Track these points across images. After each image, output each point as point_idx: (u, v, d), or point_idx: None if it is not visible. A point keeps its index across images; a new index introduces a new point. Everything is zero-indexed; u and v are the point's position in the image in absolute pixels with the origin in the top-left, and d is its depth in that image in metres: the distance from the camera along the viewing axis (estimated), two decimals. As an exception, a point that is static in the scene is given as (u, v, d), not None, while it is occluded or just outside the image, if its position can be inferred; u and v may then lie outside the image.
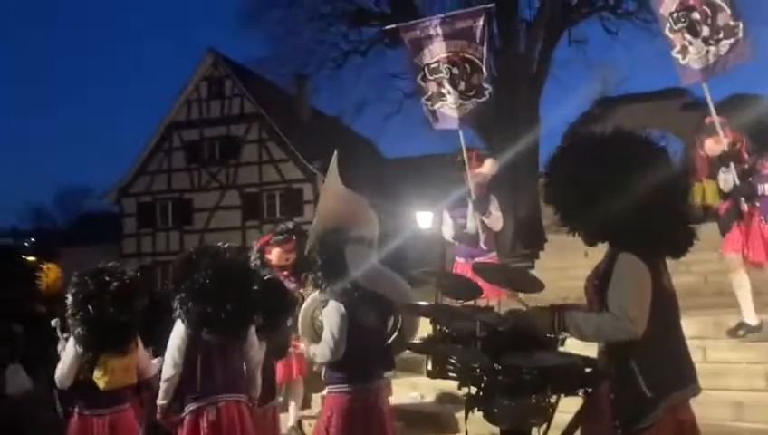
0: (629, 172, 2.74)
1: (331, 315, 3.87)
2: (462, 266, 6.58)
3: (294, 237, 5.89)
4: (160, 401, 4.26)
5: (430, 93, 7.32)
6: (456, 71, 7.12)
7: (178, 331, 4.16)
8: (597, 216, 2.79)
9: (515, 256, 14.15)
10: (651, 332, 2.72)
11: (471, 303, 3.75)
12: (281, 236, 5.87)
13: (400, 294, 3.97)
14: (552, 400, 2.96)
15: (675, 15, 6.38)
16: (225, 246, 4.38)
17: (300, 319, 4.24)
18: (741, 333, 5.79)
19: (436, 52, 7.24)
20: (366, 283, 3.87)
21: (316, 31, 20.16)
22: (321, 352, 3.92)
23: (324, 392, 4.28)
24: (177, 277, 4.31)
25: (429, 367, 3.45)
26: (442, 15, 7.82)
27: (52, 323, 5.06)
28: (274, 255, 5.84)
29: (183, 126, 27.98)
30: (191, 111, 28.02)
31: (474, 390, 3.08)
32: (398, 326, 4.09)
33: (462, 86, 7.11)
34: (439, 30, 7.45)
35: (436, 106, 7.31)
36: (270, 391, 4.76)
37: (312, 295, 4.22)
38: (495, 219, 6.65)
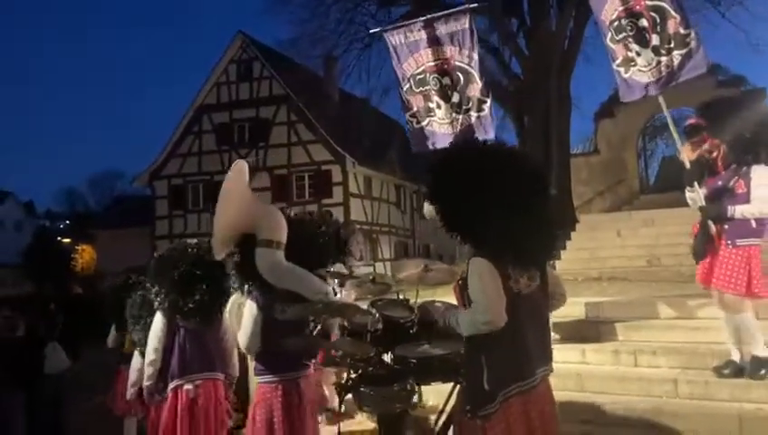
0: (497, 188, 3.07)
1: (245, 313, 4.20)
2: None
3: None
4: (146, 383, 4.97)
5: (415, 109, 6.61)
6: (446, 81, 6.40)
7: (157, 319, 4.90)
8: (464, 223, 3.16)
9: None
10: (500, 331, 3.02)
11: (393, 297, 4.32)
12: None
13: (312, 291, 4.17)
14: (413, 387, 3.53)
15: (617, 24, 5.73)
16: (195, 242, 5.07)
17: (227, 314, 4.72)
18: (726, 372, 5.11)
19: (423, 60, 6.53)
20: (277, 282, 4.11)
21: (344, 11, 20.01)
22: (240, 343, 4.28)
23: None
24: (154, 273, 4.95)
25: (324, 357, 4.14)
26: (425, 18, 6.94)
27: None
28: None
29: (213, 109, 28.15)
30: (221, 94, 28.17)
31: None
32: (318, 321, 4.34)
33: (456, 98, 6.38)
34: (424, 34, 6.70)
35: (423, 123, 6.59)
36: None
37: (235, 295, 4.62)
38: None
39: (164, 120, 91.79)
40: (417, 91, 6.53)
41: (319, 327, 4.32)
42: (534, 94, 15.72)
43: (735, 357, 5.14)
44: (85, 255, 45.34)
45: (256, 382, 4.27)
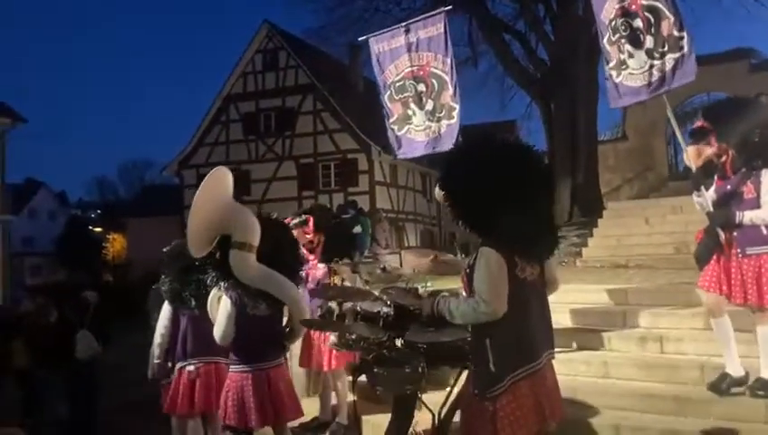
0: (508, 182, 3.20)
1: (221, 308, 4.56)
2: None
3: (313, 218, 5.84)
4: (155, 361, 5.65)
5: (396, 117, 6.54)
6: (421, 87, 6.28)
7: (164, 307, 5.57)
8: (473, 214, 3.29)
9: (574, 224, 13.94)
10: (504, 316, 3.16)
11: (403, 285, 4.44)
12: (297, 220, 5.84)
13: (283, 294, 4.59)
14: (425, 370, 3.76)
15: (613, 24, 5.54)
16: None
17: (209, 306, 4.90)
18: (724, 386, 4.81)
19: (402, 67, 6.42)
20: (248, 282, 4.47)
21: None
22: (215, 336, 4.59)
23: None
24: (163, 267, 5.47)
25: (335, 339, 4.47)
26: (406, 23, 6.85)
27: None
28: None
29: (239, 98, 28.36)
30: (247, 84, 28.35)
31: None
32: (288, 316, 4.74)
33: (429, 105, 6.26)
34: (404, 40, 6.61)
35: (401, 132, 6.50)
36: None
37: (215, 289, 4.86)
38: None
39: (191, 110, 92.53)
40: (397, 98, 6.46)
41: (336, 312, 4.61)
42: (561, 80, 15.58)
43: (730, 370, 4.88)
44: (116, 243, 46.17)
45: (229, 371, 4.65)
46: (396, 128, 6.53)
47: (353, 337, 4.24)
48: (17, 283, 26.93)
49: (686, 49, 5.17)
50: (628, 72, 5.42)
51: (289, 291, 4.64)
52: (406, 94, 6.30)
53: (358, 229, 7.58)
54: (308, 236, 5.78)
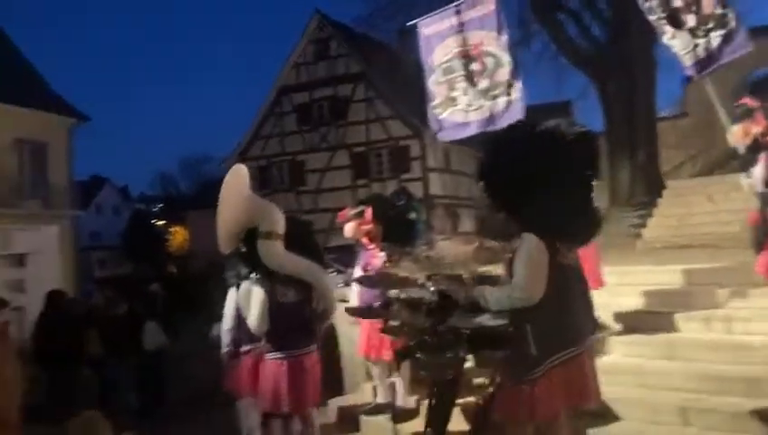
0: (547, 169, 3.21)
1: (253, 298, 4.77)
2: None
3: (370, 208, 5.84)
4: (224, 347, 5.62)
5: (439, 100, 6.45)
6: (474, 66, 6.18)
7: (230, 293, 5.49)
8: (515, 203, 3.33)
9: (634, 204, 13.64)
10: (545, 301, 3.22)
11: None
12: (355, 211, 5.88)
13: (312, 275, 4.84)
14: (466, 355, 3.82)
15: (647, 6, 5.43)
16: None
17: (238, 300, 5.08)
18: None
19: (450, 47, 6.34)
20: (278, 268, 4.71)
21: (418, -17, 19.84)
22: (251, 325, 4.82)
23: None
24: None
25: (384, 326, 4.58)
26: (455, 5, 6.74)
27: None
28: (347, 230, 5.91)
29: (293, 90, 28.62)
30: (300, 75, 28.59)
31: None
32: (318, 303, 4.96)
33: (484, 84, 6.15)
34: (453, 22, 6.52)
35: (443, 115, 6.44)
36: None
37: (245, 282, 5.03)
38: None
39: (248, 103, 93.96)
40: (443, 80, 6.39)
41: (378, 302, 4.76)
42: (617, 58, 15.19)
43: None
44: (178, 236, 47.44)
45: (265, 358, 4.87)
46: (438, 111, 6.48)
47: (397, 324, 4.38)
48: (86, 276, 28.04)
49: (732, 24, 4.98)
50: (675, 51, 5.31)
51: (316, 273, 4.90)
52: (454, 75, 6.24)
53: (412, 216, 7.59)
54: (366, 227, 5.80)
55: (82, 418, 3.95)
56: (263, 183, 28.93)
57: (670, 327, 5.86)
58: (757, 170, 4.76)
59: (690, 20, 5.08)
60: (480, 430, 4.05)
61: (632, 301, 6.45)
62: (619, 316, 6.26)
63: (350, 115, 27.50)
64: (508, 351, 3.47)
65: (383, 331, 4.75)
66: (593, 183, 3.44)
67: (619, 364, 5.57)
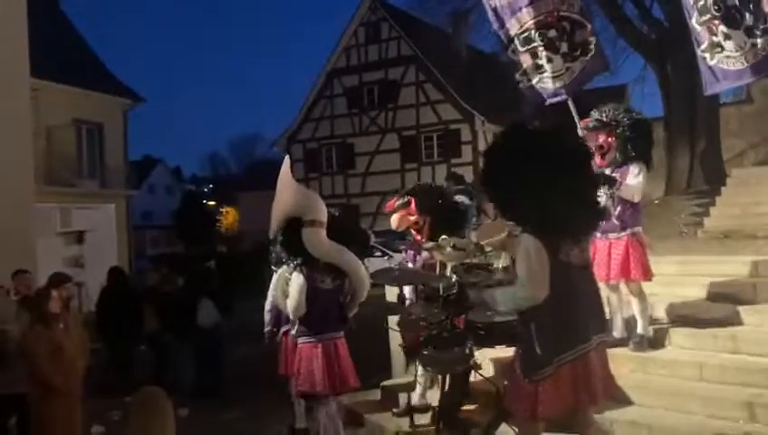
0: (538, 169, 3.25)
1: (293, 283, 4.99)
2: (596, 243, 5.70)
3: (414, 199, 5.74)
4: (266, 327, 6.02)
5: (524, 68, 6.33)
6: (552, 33, 6.02)
7: (274, 276, 5.75)
8: (511, 204, 3.43)
9: (693, 192, 13.23)
10: (548, 300, 3.26)
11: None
12: (400, 202, 5.80)
13: (348, 264, 5.05)
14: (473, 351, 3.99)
15: (702, 3, 5.15)
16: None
17: (276, 284, 5.37)
18: None
19: (525, 19, 6.17)
20: (320, 256, 4.94)
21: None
22: (289, 309, 5.05)
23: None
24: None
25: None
26: None
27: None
28: (393, 220, 5.86)
29: (343, 72, 28.67)
30: (350, 58, 28.61)
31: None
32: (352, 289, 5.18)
33: (564, 48, 6.03)
34: None
35: (534, 81, 6.30)
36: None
37: (282, 269, 5.31)
38: (629, 189, 5.52)
39: (299, 84, 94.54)
40: (523, 50, 6.24)
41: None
42: (678, 41, 14.67)
43: None
44: (229, 216, 48.26)
45: (299, 342, 5.10)
46: (525, 79, 6.36)
47: (413, 317, 4.51)
48: (139, 254, 28.75)
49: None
50: (723, 54, 4.94)
51: (354, 262, 5.12)
52: (534, 45, 6.09)
53: (463, 200, 7.50)
54: (411, 217, 5.71)
55: (143, 393, 4.00)
56: (312, 165, 29.15)
57: (734, 320, 5.67)
58: None
59: (748, 18, 4.73)
60: (498, 419, 4.16)
61: (694, 291, 6.26)
62: (681, 307, 6.08)
63: (400, 98, 27.41)
64: (520, 348, 3.56)
65: (398, 324, 4.96)
66: (591, 180, 3.54)
67: (679, 357, 5.42)
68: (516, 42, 6.20)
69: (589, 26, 6.01)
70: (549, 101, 6.34)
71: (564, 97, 6.09)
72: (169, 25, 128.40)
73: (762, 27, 4.66)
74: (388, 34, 27.77)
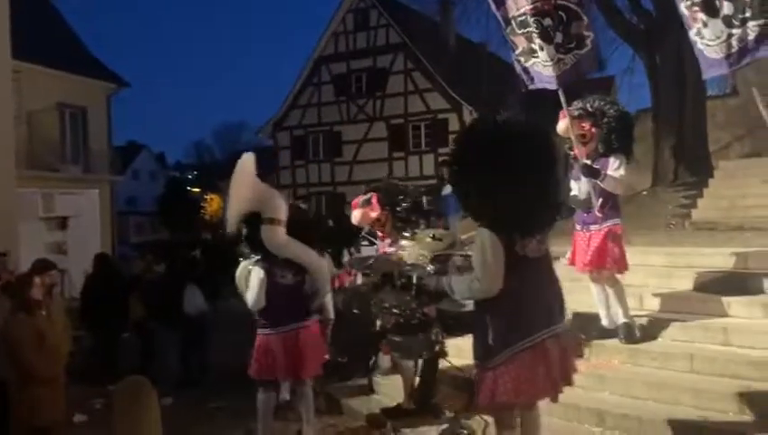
0: (495, 165, 3.36)
1: (253, 277, 5.14)
2: (576, 235, 5.80)
3: (377, 196, 5.75)
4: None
5: (521, 49, 6.16)
6: (548, 22, 5.82)
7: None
8: (470, 198, 3.51)
9: (680, 184, 13.28)
10: (504, 292, 3.39)
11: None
12: (363, 199, 5.83)
13: (308, 261, 5.23)
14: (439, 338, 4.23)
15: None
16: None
17: (237, 278, 5.40)
18: None
19: (522, 3, 5.97)
20: (278, 253, 5.09)
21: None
22: (249, 302, 5.18)
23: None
24: None
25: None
26: None
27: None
28: (354, 217, 5.90)
29: (331, 60, 28.44)
30: (338, 45, 28.38)
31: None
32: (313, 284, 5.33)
33: (559, 38, 5.83)
34: None
35: (528, 63, 6.15)
36: None
37: (245, 262, 5.39)
38: (613, 181, 5.48)
39: (285, 72, 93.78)
40: (520, 32, 6.08)
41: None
42: (667, 31, 14.68)
43: None
44: (213, 203, 47.92)
45: (258, 332, 5.22)
46: (522, 59, 6.18)
47: (386, 305, 4.63)
48: (122, 241, 28.50)
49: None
50: (705, 42, 4.80)
51: (312, 258, 5.29)
52: (529, 30, 5.93)
53: (448, 190, 7.49)
54: (373, 214, 5.71)
55: (128, 382, 3.94)
56: (299, 153, 28.98)
57: (724, 312, 5.67)
58: None
59: (726, 7, 4.59)
60: (468, 407, 4.31)
61: (684, 283, 6.27)
62: (671, 299, 6.09)
63: (388, 87, 27.25)
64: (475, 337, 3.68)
65: (374, 312, 5.02)
66: (549, 174, 3.53)
67: (670, 349, 5.42)
68: (513, 23, 6.07)
69: (585, 20, 5.84)
70: (538, 86, 6.23)
71: (553, 86, 5.98)
72: (155, 10, 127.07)
73: (740, 17, 4.55)
74: (377, 22, 27.57)
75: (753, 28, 4.52)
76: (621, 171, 5.49)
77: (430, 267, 4.42)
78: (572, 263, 5.85)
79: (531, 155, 3.44)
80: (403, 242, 5.25)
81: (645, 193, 13.78)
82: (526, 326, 3.46)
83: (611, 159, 5.52)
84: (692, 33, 4.95)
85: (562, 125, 5.66)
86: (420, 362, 5.07)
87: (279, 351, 5.10)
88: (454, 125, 25.95)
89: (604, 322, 5.75)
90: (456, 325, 5.32)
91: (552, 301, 3.62)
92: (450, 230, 4.95)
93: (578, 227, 5.81)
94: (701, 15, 4.76)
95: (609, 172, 5.48)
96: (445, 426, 4.66)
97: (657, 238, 8.56)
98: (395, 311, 4.57)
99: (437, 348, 4.47)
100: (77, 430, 6.44)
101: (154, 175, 51.83)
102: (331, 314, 6.38)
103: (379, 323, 5.09)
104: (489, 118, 3.71)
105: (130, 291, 9.01)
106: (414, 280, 4.55)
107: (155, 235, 38.31)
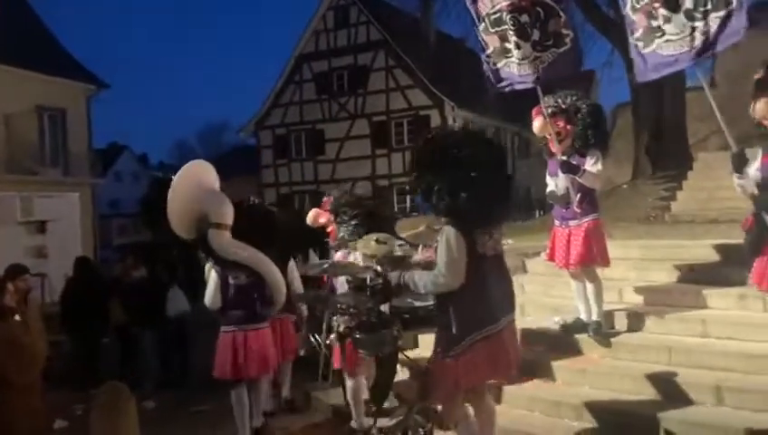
0: (470, 169, 3.69)
1: (210, 279, 5.50)
2: (555, 231, 5.80)
3: (329, 201, 6.02)
4: None
5: (492, 49, 6.03)
6: (525, 18, 5.71)
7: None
8: (436, 198, 3.77)
9: (660, 177, 13.38)
10: (465, 285, 3.74)
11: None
12: (324, 199, 6.13)
13: (256, 263, 5.38)
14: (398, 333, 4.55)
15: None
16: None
17: (206, 278, 5.62)
18: None
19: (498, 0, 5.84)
20: (225, 256, 5.32)
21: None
22: (206, 302, 5.53)
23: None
24: None
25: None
26: None
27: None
28: (309, 217, 6.25)
29: (312, 57, 28.33)
30: (319, 42, 28.28)
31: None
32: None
33: (536, 35, 5.72)
34: None
35: (500, 64, 6.04)
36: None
37: (208, 264, 5.63)
38: (591, 177, 5.49)
39: (267, 71, 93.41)
40: (493, 31, 5.96)
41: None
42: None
43: None
44: (196, 204, 47.60)
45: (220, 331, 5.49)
46: (493, 60, 6.07)
47: (343, 306, 4.85)
48: (105, 243, 28.24)
49: (734, 4, 4.41)
50: (663, 39, 4.79)
51: (263, 263, 5.43)
52: (504, 27, 5.81)
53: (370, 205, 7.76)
54: (322, 219, 6.10)
55: (107, 388, 3.93)
56: (281, 152, 28.87)
57: (702, 304, 5.72)
58: (753, 170, 4.24)
59: (688, 2, 4.58)
60: (422, 397, 4.49)
61: (663, 276, 6.32)
62: (650, 291, 6.13)
63: (369, 84, 27.21)
64: (437, 329, 4.02)
65: (332, 313, 5.22)
66: (503, 172, 3.97)
67: (648, 341, 5.46)
68: (486, 21, 5.95)
69: (563, 17, 5.73)
70: (506, 88, 6.16)
71: (527, 85, 5.93)
72: (135, 11, 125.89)
73: (702, 10, 4.56)
74: (357, 19, 27.51)
75: (713, 20, 4.52)
76: (599, 166, 5.53)
77: (379, 268, 4.66)
78: (551, 259, 5.86)
79: (493, 159, 3.87)
80: (351, 246, 5.50)
81: (625, 186, 13.88)
82: (484, 318, 3.81)
83: (588, 155, 5.54)
84: (637, 36, 4.96)
85: (537, 123, 5.67)
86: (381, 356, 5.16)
87: (230, 349, 5.37)
88: (436, 121, 25.98)
89: (583, 316, 5.77)
90: (411, 321, 6.15)
91: (505, 294, 4.01)
92: (387, 235, 4.99)
93: (557, 222, 5.82)
94: (662, 11, 4.74)
95: (587, 168, 5.50)
96: (400, 418, 4.83)
97: (638, 231, 8.61)
98: (352, 311, 4.83)
99: (400, 343, 4.75)
100: (58, 437, 6.38)
101: (137, 176, 51.37)
102: (304, 310, 6.73)
103: (342, 323, 5.18)
104: (441, 129, 4.10)
105: (110, 295, 8.92)
106: (368, 281, 4.81)
107: (138, 237, 38.02)
